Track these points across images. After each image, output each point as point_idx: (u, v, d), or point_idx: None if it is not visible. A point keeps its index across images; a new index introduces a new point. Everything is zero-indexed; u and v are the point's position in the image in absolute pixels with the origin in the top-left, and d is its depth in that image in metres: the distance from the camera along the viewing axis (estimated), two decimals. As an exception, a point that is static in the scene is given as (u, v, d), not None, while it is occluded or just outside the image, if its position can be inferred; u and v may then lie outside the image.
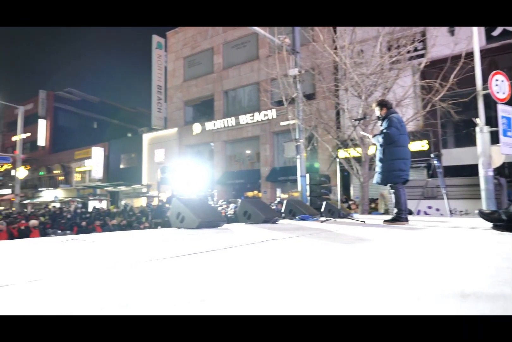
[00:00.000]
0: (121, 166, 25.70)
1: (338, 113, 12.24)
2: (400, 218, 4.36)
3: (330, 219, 5.35)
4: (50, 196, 28.66)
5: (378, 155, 4.54)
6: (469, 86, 8.02)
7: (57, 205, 23.37)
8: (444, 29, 11.30)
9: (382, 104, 4.63)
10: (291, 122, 10.20)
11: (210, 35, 21.23)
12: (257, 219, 4.89)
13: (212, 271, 1.61)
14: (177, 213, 4.24)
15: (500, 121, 6.44)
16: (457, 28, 11.12)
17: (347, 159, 9.56)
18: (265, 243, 2.68)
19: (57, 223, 12.33)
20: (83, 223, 11.03)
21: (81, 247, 2.62)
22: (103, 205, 22.28)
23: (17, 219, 11.94)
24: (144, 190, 22.71)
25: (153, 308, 1.03)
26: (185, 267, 1.70)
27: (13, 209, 21.21)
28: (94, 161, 26.10)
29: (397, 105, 8.49)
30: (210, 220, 4.23)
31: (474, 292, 1.11)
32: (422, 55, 9.72)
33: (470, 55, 7.41)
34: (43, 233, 9.61)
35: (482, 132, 6.52)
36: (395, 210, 4.42)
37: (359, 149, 9.17)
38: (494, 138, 6.58)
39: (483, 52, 7.44)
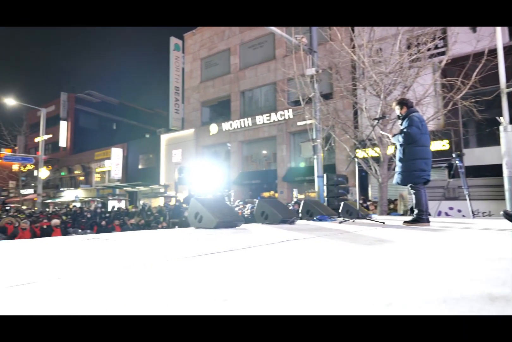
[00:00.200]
0: (140, 166, 26.12)
1: (356, 113, 12.09)
2: (421, 219, 4.27)
3: (349, 220, 5.28)
4: (71, 195, 29.41)
5: (398, 155, 4.45)
6: (492, 84, 7.79)
7: (78, 204, 23.97)
8: (466, 25, 11.00)
9: (402, 103, 4.54)
10: (308, 122, 10.13)
11: (226, 36, 21.34)
12: (274, 219, 4.88)
13: (232, 271, 1.60)
14: (195, 213, 4.27)
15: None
16: (479, 25, 10.79)
17: (365, 160, 9.43)
18: (284, 243, 2.66)
19: (77, 222, 12.62)
20: (103, 222, 11.25)
21: (103, 246, 2.67)
22: (122, 204, 22.69)
23: (40, 218, 12.29)
24: (162, 190, 23.01)
25: (179, 307, 1.03)
26: (206, 267, 1.70)
27: (36, 208, 21.86)
28: (113, 162, 26.62)
29: (417, 104, 8.31)
30: (228, 220, 4.25)
31: (503, 295, 1.07)
32: (443, 53, 9.48)
33: (493, 52, 7.19)
34: (65, 232, 9.86)
35: (506, 131, 6.32)
36: (416, 211, 4.33)
37: (377, 149, 9.03)
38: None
39: (507, 49, 7.22)
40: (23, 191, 32.59)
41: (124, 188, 24.89)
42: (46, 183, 28.13)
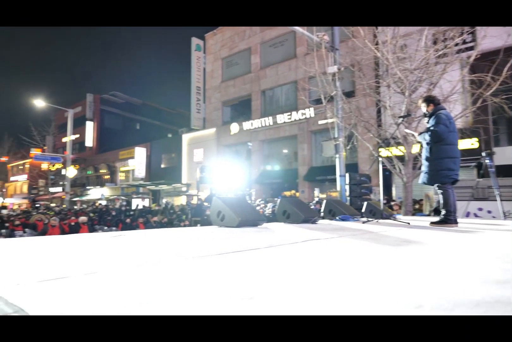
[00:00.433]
0: (162, 165, 26.58)
1: (379, 111, 11.83)
2: (448, 220, 4.13)
3: (372, 220, 5.18)
4: (97, 193, 30.29)
5: (425, 154, 4.32)
6: (525, 79, 7.46)
7: (103, 202, 24.64)
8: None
9: (429, 100, 4.40)
10: (330, 120, 10.00)
11: (247, 35, 21.38)
12: (296, 219, 4.85)
13: (257, 270, 1.60)
14: (218, 212, 4.30)
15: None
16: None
17: (389, 159, 9.23)
18: (307, 243, 2.64)
19: (103, 219, 12.98)
20: (127, 220, 11.52)
21: (129, 243, 2.73)
22: (146, 203, 23.15)
23: (68, 215, 12.73)
24: (184, 189, 23.32)
25: (208, 305, 1.04)
26: (230, 265, 1.71)
27: (64, 205, 22.65)
28: (137, 161, 27.21)
29: (444, 101, 8.05)
30: (250, 218, 4.26)
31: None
32: (471, 48, 9.15)
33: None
34: (91, 229, 10.17)
35: (540, 129, 6.02)
36: (443, 212, 4.19)
37: (402, 148, 8.81)
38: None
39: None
40: (51, 189, 33.84)
41: (148, 187, 25.39)
42: (74, 181, 29.03)
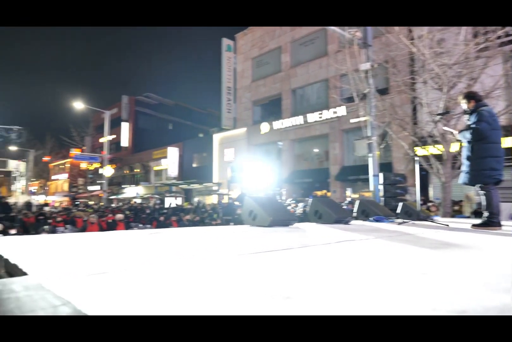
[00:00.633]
0: (194, 165, 27.10)
1: (414, 108, 11.44)
2: (491, 222, 3.92)
3: (408, 221, 5.02)
4: (132, 192, 31.36)
5: (466, 153, 4.12)
6: None
7: (138, 200, 25.49)
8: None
9: (470, 96, 4.19)
10: (362, 119, 9.78)
11: (277, 34, 21.31)
12: (328, 219, 4.79)
13: (292, 270, 1.60)
14: (249, 211, 4.33)
15: None
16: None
17: (425, 158, 8.89)
18: (341, 244, 2.60)
19: (138, 217, 13.41)
20: (161, 218, 11.83)
21: (165, 240, 2.81)
22: (179, 201, 23.70)
23: (105, 213, 13.26)
24: (215, 188, 23.65)
25: (246, 305, 1.05)
26: (264, 264, 1.72)
27: (101, 203, 23.65)
28: (170, 161, 27.90)
29: (486, 97, 7.65)
30: (282, 218, 4.25)
31: None
32: (515, 40, 8.63)
33: None
34: (127, 226, 10.54)
35: None
36: (486, 214, 3.98)
37: (439, 146, 8.46)
38: None
39: None
40: (90, 187, 35.45)
41: (180, 185, 25.97)
42: (111, 180, 30.19)
